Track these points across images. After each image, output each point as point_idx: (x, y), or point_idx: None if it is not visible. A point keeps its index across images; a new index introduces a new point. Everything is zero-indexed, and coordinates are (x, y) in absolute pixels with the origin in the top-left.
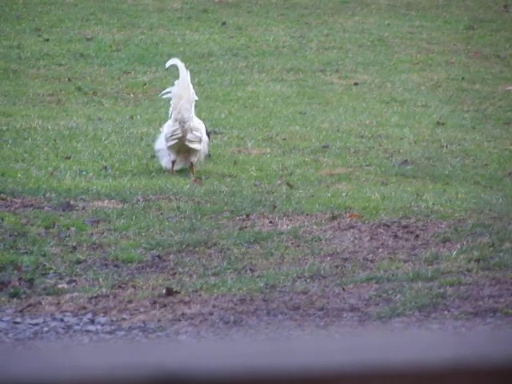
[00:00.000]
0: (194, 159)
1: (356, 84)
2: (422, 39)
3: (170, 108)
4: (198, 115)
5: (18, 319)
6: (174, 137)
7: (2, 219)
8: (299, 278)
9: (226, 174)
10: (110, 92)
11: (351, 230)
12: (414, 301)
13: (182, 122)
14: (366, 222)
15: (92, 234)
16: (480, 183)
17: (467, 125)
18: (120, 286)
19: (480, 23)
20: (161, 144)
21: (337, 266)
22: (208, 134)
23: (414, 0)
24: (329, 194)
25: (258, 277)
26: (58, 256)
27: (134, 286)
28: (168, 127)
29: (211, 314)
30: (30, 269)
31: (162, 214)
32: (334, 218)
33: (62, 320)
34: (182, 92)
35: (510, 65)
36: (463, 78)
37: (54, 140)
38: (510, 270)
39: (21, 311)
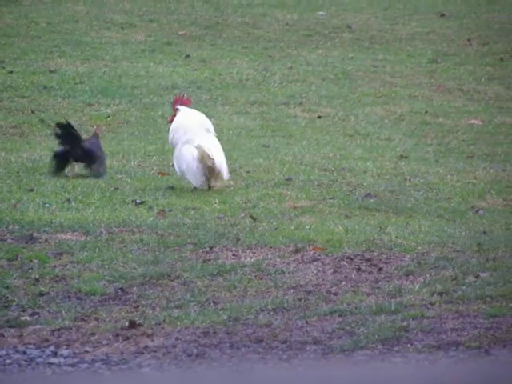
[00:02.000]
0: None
1: (319, 117)
2: (386, 73)
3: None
4: (162, 148)
5: None
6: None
7: None
8: (262, 310)
9: (190, 206)
10: (74, 124)
11: (314, 263)
12: (377, 334)
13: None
14: (330, 254)
15: (55, 266)
16: (443, 216)
17: (430, 158)
18: (83, 319)
19: (443, 57)
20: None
21: (300, 299)
22: None
23: (377, 34)
24: (292, 227)
25: (221, 309)
26: (20, 288)
27: (96, 319)
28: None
29: (174, 346)
30: None
31: (125, 246)
32: (297, 250)
33: (24, 352)
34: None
35: (473, 98)
36: (426, 112)
37: (17, 172)
38: (473, 303)
39: None
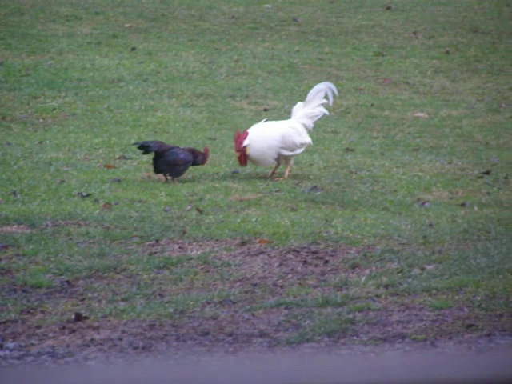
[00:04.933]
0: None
1: (266, 110)
2: (332, 66)
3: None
4: (108, 141)
5: None
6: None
7: None
8: (209, 303)
9: (136, 199)
10: (19, 117)
11: (261, 256)
12: (323, 326)
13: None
14: (276, 247)
15: (0, 259)
16: (389, 209)
17: (376, 151)
18: (29, 312)
19: (389, 50)
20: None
21: (246, 292)
22: None
23: (323, 27)
24: (238, 220)
25: (167, 302)
26: None
27: (42, 312)
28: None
29: (120, 339)
30: None
31: (71, 239)
32: (243, 243)
33: None
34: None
35: (419, 91)
36: (372, 105)
37: None
38: (419, 295)
39: None
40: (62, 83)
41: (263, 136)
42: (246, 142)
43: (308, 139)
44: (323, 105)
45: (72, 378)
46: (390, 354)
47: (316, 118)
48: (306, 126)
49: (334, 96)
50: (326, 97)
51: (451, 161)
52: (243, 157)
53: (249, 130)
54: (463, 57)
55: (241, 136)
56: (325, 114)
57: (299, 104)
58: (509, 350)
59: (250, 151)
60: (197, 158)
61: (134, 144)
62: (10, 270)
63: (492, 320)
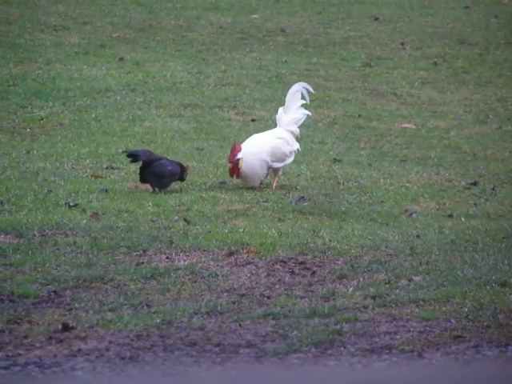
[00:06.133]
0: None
1: (253, 120)
2: (319, 76)
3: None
4: (95, 151)
5: None
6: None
7: None
8: (196, 313)
9: (123, 209)
10: (7, 126)
11: (248, 266)
12: (311, 337)
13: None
14: (263, 258)
15: None
16: (376, 220)
17: (364, 162)
18: (16, 322)
19: (377, 61)
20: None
21: (234, 302)
22: None
23: (311, 37)
24: (226, 230)
25: (154, 312)
26: None
27: (29, 322)
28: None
29: (107, 349)
30: None
31: (58, 249)
32: (231, 253)
33: None
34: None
35: (406, 102)
36: (360, 115)
37: None
38: (406, 306)
39: None
40: (50, 93)
41: (255, 152)
42: (240, 155)
43: (296, 145)
44: (303, 105)
45: None
46: (378, 365)
47: (300, 122)
48: (293, 133)
49: (309, 94)
50: (302, 97)
51: (438, 172)
52: (235, 168)
53: (242, 145)
54: (451, 68)
55: (236, 148)
56: (308, 116)
57: (280, 110)
58: (496, 361)
59: (242, 165)
60: (183, 172)
61: (122, 152)
62: None
63: (479, 331)
